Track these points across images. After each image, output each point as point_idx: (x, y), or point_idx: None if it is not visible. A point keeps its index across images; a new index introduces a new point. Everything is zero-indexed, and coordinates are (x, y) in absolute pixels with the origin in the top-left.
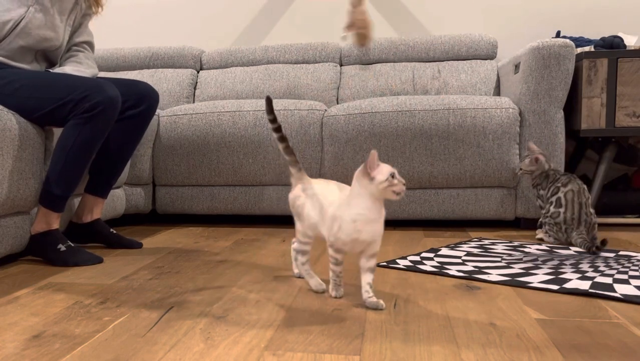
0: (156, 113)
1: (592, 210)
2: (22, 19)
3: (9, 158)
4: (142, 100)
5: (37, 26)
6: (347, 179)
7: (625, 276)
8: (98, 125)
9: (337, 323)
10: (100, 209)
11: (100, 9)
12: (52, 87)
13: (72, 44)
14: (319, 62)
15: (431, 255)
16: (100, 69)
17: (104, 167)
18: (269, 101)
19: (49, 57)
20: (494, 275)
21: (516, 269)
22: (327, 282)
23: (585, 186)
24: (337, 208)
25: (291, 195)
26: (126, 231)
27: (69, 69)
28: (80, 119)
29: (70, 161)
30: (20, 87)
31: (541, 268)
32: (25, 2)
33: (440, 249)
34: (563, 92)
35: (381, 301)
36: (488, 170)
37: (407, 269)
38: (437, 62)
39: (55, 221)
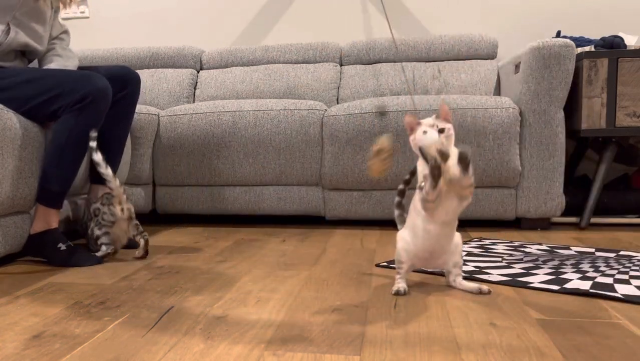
0: (156, 113)
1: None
2: (3, 34)
3: (9, 157)
4: (126, 83)
5: (20, 41)
6: (347, 179)
7: (625, 277)
8: (90, 117)
9: (337, 323)
10: None
11: (68, 6)
12: (40, 81)
13: (49, 38)
14: (319, 62)
15: None
16: None
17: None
18: None
19: (29, 56)
20: (495, 275)
21: (517, 269)
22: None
23: None
24: None
25: None
26: None
27: (53, 65)
28: (71, 113)
29: (65, 155)
30: (9, 82)
31: (542, 268)
32: (3, 20)
33: None
34: (563, 92)
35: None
36: (488, 170)
37: None
38: (437, 62)
39: (54, 220)
